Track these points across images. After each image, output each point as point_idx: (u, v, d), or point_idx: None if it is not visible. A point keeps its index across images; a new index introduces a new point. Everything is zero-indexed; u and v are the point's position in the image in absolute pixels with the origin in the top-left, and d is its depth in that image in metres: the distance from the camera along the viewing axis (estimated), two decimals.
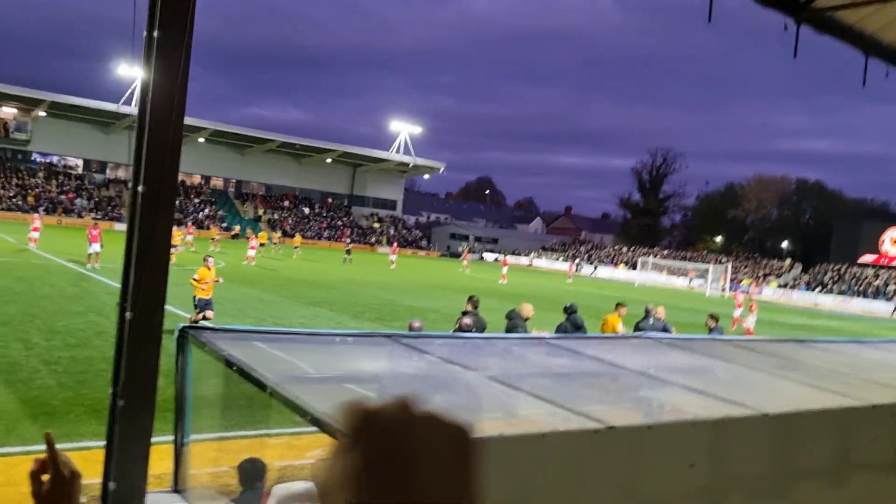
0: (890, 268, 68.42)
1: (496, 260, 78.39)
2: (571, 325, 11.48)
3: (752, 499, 4.31)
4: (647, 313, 12.97)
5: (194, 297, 16.62)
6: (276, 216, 79.40)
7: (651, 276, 66.96)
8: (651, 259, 71.14)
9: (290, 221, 78.86)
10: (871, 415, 4.83)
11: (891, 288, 63.95)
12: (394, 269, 45.20)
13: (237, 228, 69.12)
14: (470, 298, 11.52)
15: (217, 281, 17.02)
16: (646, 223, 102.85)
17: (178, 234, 35.02)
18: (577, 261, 79.43)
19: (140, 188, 3.62)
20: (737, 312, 29.03)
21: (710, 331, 13.52)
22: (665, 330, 11.77)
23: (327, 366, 4.30)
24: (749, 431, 4.16)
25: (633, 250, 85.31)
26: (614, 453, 3.46)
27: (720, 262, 71.00)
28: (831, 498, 4.83)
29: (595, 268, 77.13)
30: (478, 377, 4.00)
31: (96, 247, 27.55)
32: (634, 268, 71.49)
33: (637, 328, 12.52)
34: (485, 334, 6.41)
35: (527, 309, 11.19)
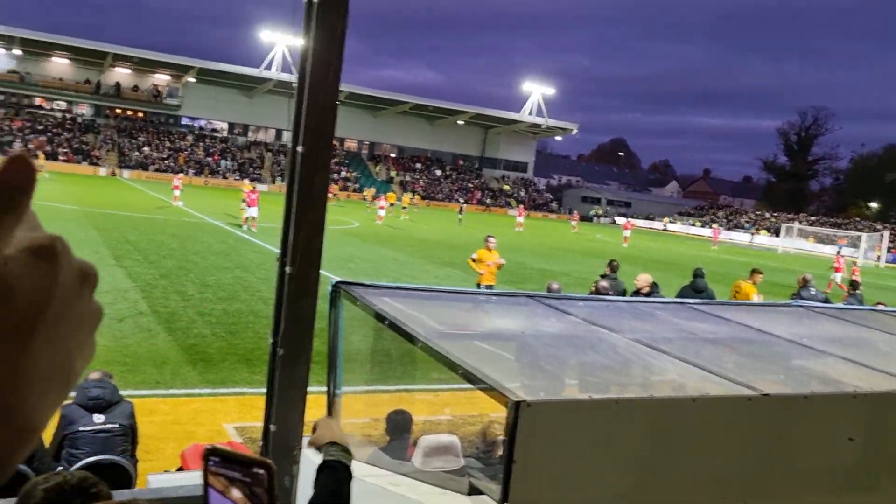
0: None
1: (632, 224, 76.66)
2: (691, 289, 11.04)
3: None
4: (806, 283, 12.36)
5: (477, 284, 14.44)
6: (407, 178, 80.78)
7: (796, 242, 63.50)
8: (796, 225, 67.39)
9: (421, 183, 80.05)
10: None
11: None
12: (522, 232, 45.12)
13: (372, 190, 70.85)
14: (610, 262, 11.38)
15: (500, 264, 14.39)
16: (792, 187, 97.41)
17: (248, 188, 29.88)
18: (716, 225, 76.42)
19: (299, 149, 3.80)
20: (835, 276, 27.57)
21: (850, 297, 12.81)
22: (825, 302, 11.20)
23: (472, 323, 4.39)
24: None
25: (777, 216, 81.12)
26: (767, 422, 3.37)
27: (875, 230, 66.39)
28: None
29: (753, 235, 72.51)
30: (622, 339, 3.97)
31: (254, 210, 27.47)
32: (777, 234, 68.02)
33: (795, 297, 11.96)
34: (627, 297, 6.32)
35: (641, 279, 10.40)
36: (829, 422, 3.50)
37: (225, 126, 78.22)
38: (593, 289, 9.35)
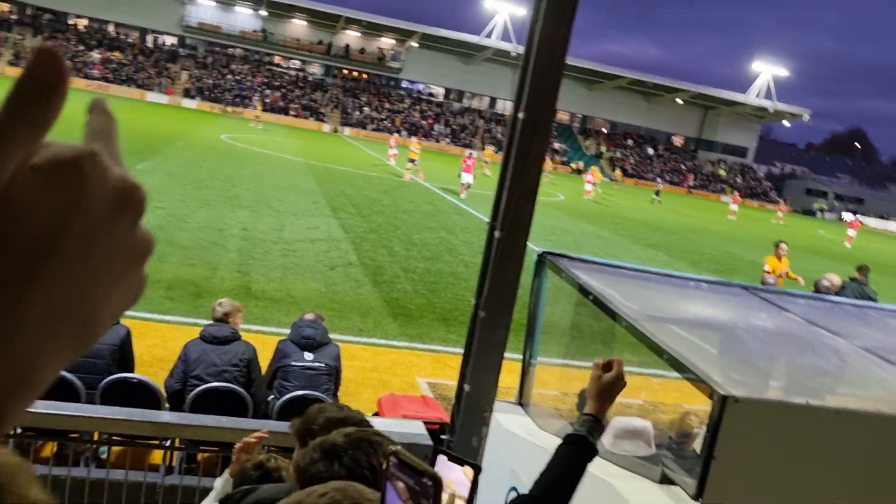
0: None
1: (860, 223, 70.10)
2: (852, 292, 9.61)
3: None
4: None
5: None
6: (618, 154, 78.98)
7: None
8: None
9: (631, 161, 77.97)
10: None
11: None
12: (734, 221, 42.71)
13: (580, 164, 70.06)
14: (859, 267, 10.38)
15: (794, 279, 13.18)
16: None
17: (417, 146, 31.18)
18: None
19: (520, 115, 3.80)
20: None
21: None
22: None
23: (680, 308, 4.22)
24: None
25: None
26: None
27: None
28: None
29: None
30: (847, 344, 3.64)
31: (468, 177, 27.19)
32: None
33: None
34: (856, 301, 5.79)
35: (827, 279, 9.30)
36: None
37: (441, 91, 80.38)
38: (814, 288, 8.63)
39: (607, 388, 2.28)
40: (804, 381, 3.20)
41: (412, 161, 30.54)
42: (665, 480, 3.02)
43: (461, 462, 1.81)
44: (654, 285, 4.31)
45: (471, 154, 29.26)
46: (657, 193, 46.05)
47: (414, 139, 36.45)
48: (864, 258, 30.38)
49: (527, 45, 3.81)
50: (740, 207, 49.26)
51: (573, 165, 70.17)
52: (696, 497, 2.71)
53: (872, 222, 75.31)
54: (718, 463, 2.65)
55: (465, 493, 1.71)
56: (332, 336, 8.15)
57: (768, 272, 12.96)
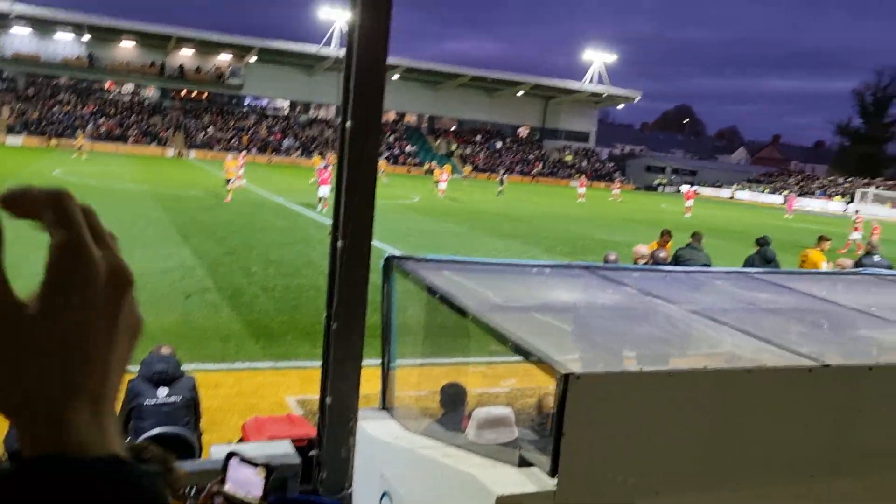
0: None
1: (696, 193, 74.81)
2: (760, 258, 10.68)
3: None
4: (872, 249, 11.91)
5: None
6: (468, 151, 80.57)
7: (871, 208, 61.19)
8: (872, 190, 64.86)
9: (481, 156, 79.76)
10: None
11: None
12: (584, 203, 44.61)
13: (433, 164, 70.93)
14: (693, 234, 11.15)
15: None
16: (866, 151, 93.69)
17: (233, 164, 29.67)
18: (786, 192, 74.17)
19: (348, 123, 3.81)
20: (856, 236, 26.42)
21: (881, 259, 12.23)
22: (890, 268, 10.75)
23: (525, 296, 4.35)
24: None
25: (850, 181, 78.27)
26: (830, 394, 3.26)
27: None
28: None
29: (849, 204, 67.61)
30: (679, 310, 3.89)
31: (325, 189, 25.94)
32: (851, 200, 65.66)
33: (858, 265, 11.54)
34: (684, 268, 6.19)
35: (639, 250, 9.75)
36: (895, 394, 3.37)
37: (286, 105, 79.16)
38: (650, 260, 9.15)
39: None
40: (642, 350, 3.39)
41: (229, 181, 28.83)
42: (524, 463, 3.12)
43: (254, 465, 1.84)
44: (498, 276, 4.43)
45: (326, 166, 28.40)
46: (501, 184, 46.85)
47: (229, 156, 33.79)
48: (701, 225, 32.48)
49: (346, 54, 3.82)
50: (588, 190, 51.48)
51: (427, 166, 70.96)
52: (551, 474, 2.81)
53: (707, 191, 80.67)
54: (567, 439, 2.76)
55: (259, 492, 1.73)
56: (191, 366, 7.86)
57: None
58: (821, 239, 12.54)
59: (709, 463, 3.22)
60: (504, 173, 51.86)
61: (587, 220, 32.54)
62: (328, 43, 69.28)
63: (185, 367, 5.50)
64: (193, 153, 66.09)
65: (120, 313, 0.55)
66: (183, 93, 75.04)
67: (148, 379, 4.96)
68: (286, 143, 73.03)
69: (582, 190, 48.73)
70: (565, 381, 2.67)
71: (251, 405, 7.29)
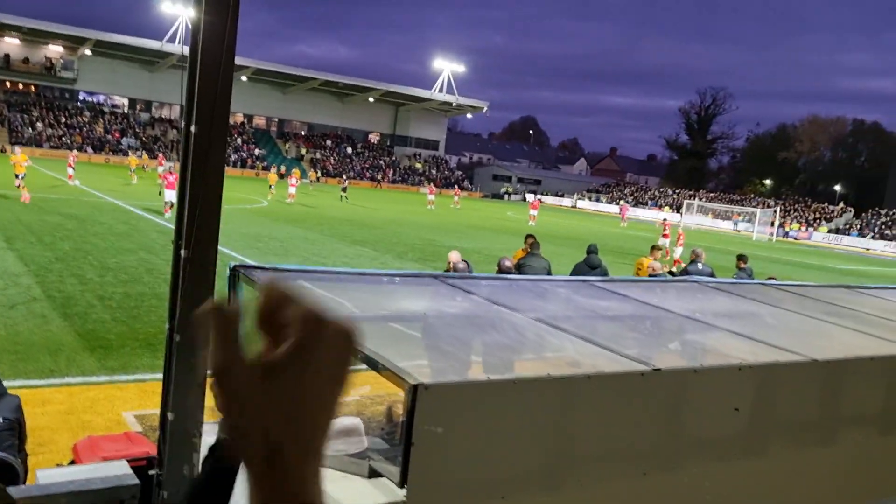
0: None
1: (540, 202, 77.73)
2: (586, 265, 11.27)
3: (797, 445, 4.31)
4: (696, 257, 12.83)
5: None
6: (318, 155, 79.66)
7: (696, 219, 65.99)
8: (696, 202, 69.99)
9: (332, 161, 79.10)
10: None
11: None
12: (433, 210, 45.24)
13: (283, 169, 69.54)
14: (527, 237, 11.58)
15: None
16: (693, 165, 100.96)
17: (22, 158, 27.64)
18: (622, 202, 78.59)
19: (192, 128, 3.67)
20: (664, 242, 27.94)
21: (738, 271, 13.36)
22: (711, 275, 11.63)
23: (374, 305, 4.36)
24: (797, 377, 4.14)
25: (679, 193, 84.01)
26: (660, 396, 3.48)
27: (768, 206, 69.61)
28: (878, 445, 4.82)
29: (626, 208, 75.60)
30: (524, 318, 4.02)
31: (172, 194, 24.41)
32: (679, 210, 70.48)
33: (685, 272, 12.39)
34: (530, 276, 6.41)
35: (452, 257, 9.42)
36: (717, 394, 3.65)
37: (125, 102, 75.13)
38: (498, 268, 9.40)
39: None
40: (488, 358, 3.48)
41: (17, 176, 27.05)
42: (374, 474, 3.12)
43: None
44: (349, 285, 4.41)
45: (170, 169, 27.03)
46: (344, 190, 46.00)
47: (18, 149, 32.19)
48: (545, 232, 33.82)
49: (190, 53, 3.69)
50: (437, 197, 52.25)
51: (278, 171, 69.42)
52: (400, 485, 2.83)
53: (551, 200, 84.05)
54: (417, 448, 2.79)
55: None
56: (16, 383, 7.29)
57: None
58: (653, 248, 13.40)
59: (553, 464, 3.36)
60: (346, 179, 50.77)
61: (437, 227, 33.01)
62: (172, 39, 66.34)
63: (8, 384, 5.09)
64: (18, 150, 61.29)
65: (347, 372, 0.61)
66: (7, 84, 69.49)
67: None
68: (125, 142, 69.26)
69: (431, 197, 49.50)
70: (414, 391, 2.70)
71: (84, 422, 6.84)
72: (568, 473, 3.45)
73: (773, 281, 13.23)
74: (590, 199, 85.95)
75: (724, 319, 4.76)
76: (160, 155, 48.16)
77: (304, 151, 79.68)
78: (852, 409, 4.64)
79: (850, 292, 6.85)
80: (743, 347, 4.19)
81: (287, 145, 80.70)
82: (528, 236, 11.75)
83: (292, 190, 39.22)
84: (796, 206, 76.34)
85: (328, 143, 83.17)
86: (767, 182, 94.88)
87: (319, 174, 65.86)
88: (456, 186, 65.11)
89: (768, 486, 4.23)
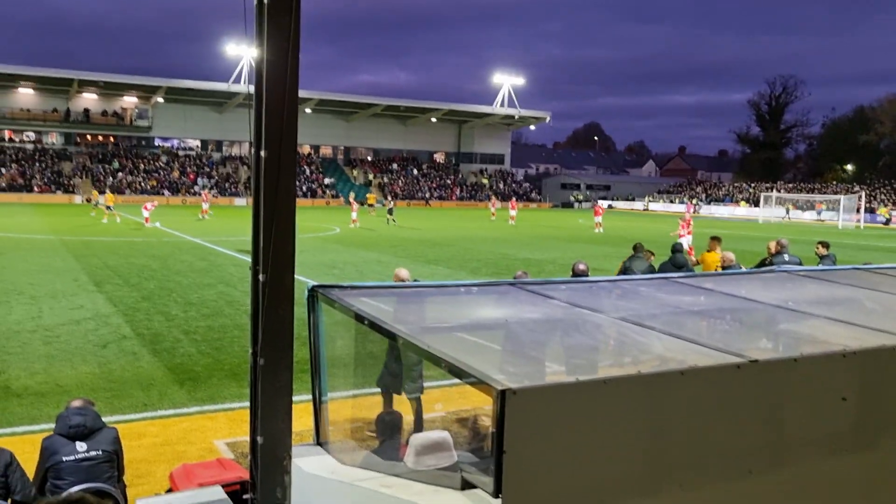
0: None
1: (610, 207, 76.73)
2: (672, 265, 11.08)
3: None
4: (782, 248, 12.37)
5: None
6: (385, 179, 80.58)
7: (775, 211, 63.95)
8: (774, 194, 67.84)
9: (399, 183, 79.88)
10: None
11: None
12: (499, 223, 45.01)
13: (352, 195, 70.51)
14: (634, 245, 11.66)
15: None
16: (767, 157, 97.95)
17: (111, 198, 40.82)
18: (695, 201, 76.83)
19: (263, 153, 3.71)
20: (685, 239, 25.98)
21: (821, 259, 12.81)
22: (799, 265, 11.19)
23: (455, 315, 4.31)
24: None
25: (755, 186, 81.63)
26: (759, 388, 3.32)
27: (852, 192, 66.93)
28: None
29: (698, 207, 74.03)
30: (607, 319, 3.91)
31: None
32: (757, 204, 68.47)
33: (770, 264, 11.96)
34: (609, 277, 6.25)
35: (401, 274, 8.33)
36: (821, 383, 3.46)
37: (198, 143, 77.67)
38: (571, 272, 9.24)
39: None
40: (574, 360, 3.38)
41: (108, 208, 35.48)
42: (466, 486, 3.06)
43: None
44: (427, 298, 4.38)
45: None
46: (390, 213, 43.33)
47: (108, 191, 44.66)
48: (614, 237, 33.22)
49: (256, 84, 3.73)
50: (498, 211, 51.70)
51: (349, 197, 70.50)
52: (495, 494, 2.75)
53: (622, 204, 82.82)
54: (509, 456, 2.71)
55: None
56: (112, 419, 7.51)
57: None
58: (713, 240, 13.07)
59: (650, 466, 3.23)
60: (392, 200, 48.21)
61: (508, 241, 32.88)
62: (237, 80, 68.39)
63: (104, 419, 5.23)
64: (102, 198, 64.04)
65: None
66: (88, 137, 72.75)
67: (64, 434, 4.69)
68: (200, 182, 71.50)
69: (513, 212, 48.13)
70: (502, 397, 2.63)
71: (179, 453, 6.99)
72: (667, 476, 3.31)
73: (825, 250, 12.67)
74: (662, 200, 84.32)
75: (820, 307, 4.54)
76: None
77: (371, 176, 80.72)
78: None
79: None
80: (844, 333, 3.97)
81: (355, 171, 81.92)
82: (712, 238, 11.96)
83: (354, 215, 40.03)
84: (883, 188, 73.19)
85: (394, 166, 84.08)
86: (849, 167, 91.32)
87: (387, 198, 66.50)
88: (513, 199, 58.70)
89: (881, 479, 3.98)
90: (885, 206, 65.91)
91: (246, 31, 3.89)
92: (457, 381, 4.56)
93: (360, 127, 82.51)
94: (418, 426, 5.15)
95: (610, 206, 78.03)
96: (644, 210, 78.90)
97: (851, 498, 3.90)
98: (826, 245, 13.15)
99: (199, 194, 57.44)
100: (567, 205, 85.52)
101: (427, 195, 78.40)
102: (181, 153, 76.09)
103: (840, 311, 4.41)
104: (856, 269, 6.28)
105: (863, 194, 62.36)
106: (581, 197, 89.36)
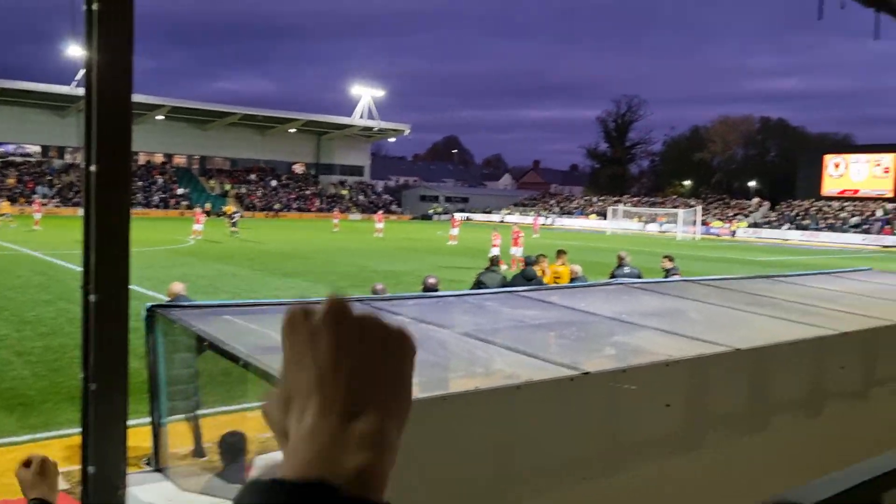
0: (853, 199, 69.69)
1: (467, 219, 78.31)
2: (523, 277, 11.42)
3: (730, 435, 4.38)
4: (621, 261, 13.05)
5: None
6: (243, 190, 78.54)
7: (622, 223, 67.46)
8: (621, 207, 71.57)
9: (257, 194, 78.10)
10: (840, 342, 4.92)
11: (855, 219, 65.15)
12: (335, 234, 44.86)
13: (208, 206, 68.20)
14: (490, 258, 12.14)
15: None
16: (614, 172, 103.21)
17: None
18: (546, 213, 79.78)
19: (93, 167, 3.53)
20: (495, 251, 26.79)
21: (667, 272, 13.63)
22: (638, 277, 11.85)
23: None
24: (723, 368, 4.22)
25: (603, 199, 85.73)
26: (591, 398, 3.49)
27: (689, 206, 71.64)
28: (807, 427, 4.94)
29: (549, 218, 77.68)
30: (451, 334, 4.00)
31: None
32: (605, 217, 71.93)
33: (612, 276, 12.60)
34: (456, 291, 6.38)
35: (175, 287, 8.12)
36: (647, 392, 3.69)
37: (38, 149, 72.71)
38: (423, 286, 9.33)
39: (30, 481, 2.11)
40: (418, 377, 3.44)
41: None
42: None
43: None
44: (271, 317, 4.31)
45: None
46: (234, 225, 40.91)
47: None
48: (468, 248, 33.94)
49: (86, 91, 3.55)
50: (342, 222, 51.16)
51: (204, 208, 68.04)
52: None
53: (479, 217, 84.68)
54: None
55: None
56: None
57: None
58: (559, 253, 13.64)
59: (491, 478, 3.32)
60: (237, 212, 45.72)
61: (370, 253, 32.85)
62: (80, 84, 64.61)
63: None
64: None
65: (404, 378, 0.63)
66: None
67: None
68: (40, 190, 66.90)
69: (380, 225, 47.33)
70: None
71: (5, 486, 6.49)
72: (511, 488, 3.42)
73: (670, 263, 13.56)
74: (519, 212, 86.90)
75: (651, 318, 4.83)
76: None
77: (228, 187, 78.43)
78: (779, 394, 4.75)
79: (770, 281, 7.06)
80: (670, 343, 4.25)
81: (211, 182, 79.31)
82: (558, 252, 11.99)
83: (197, 227, 37.94)
84: (716, 203, 78.79)
85: (252, 176, 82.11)
86: (686, 183, 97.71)
87: (234, 210, 64.84)
88: (379, 211, 58.25)
89: (706, 478, 4.28)
90: (721, 220, 71.00)
91: (74, 30, 3.70)
92: None
93: (217, 136, 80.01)
94: (198, 451, 4.81)
95: (468, 219, 79.58)
96: (501, 222, 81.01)
97: (680, 498, 4.17)
98: (671, 258, 13.99)
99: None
100: (426, 217, 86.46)
101: (277, 207, 76.86)
102: (19, 160, 70.96)
103: (668, 322, 4.72)
104: (686, 280, 6.73)
105: (699, 208, 66.87)
106: (440, 209, 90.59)
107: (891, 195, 68.24)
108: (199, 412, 4.72)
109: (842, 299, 6.28)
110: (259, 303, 4.55)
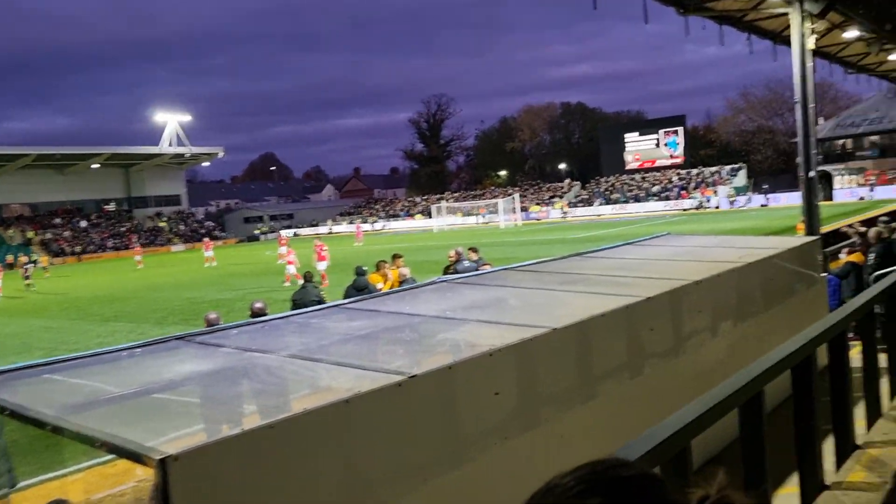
0: (652, 169, 75.33)
1: (294, 235, 77.04)
2: (353, 288, 11.26)
3: (561, 409, 4.62)
4: (458, 256, 13.06)
5: None
6: (48, 235, 72.94)
7: (447, 220, 69.00)
8: (444, 204, 73.16)
9: (66, 238, 72.84)
10: (647, 307, 5.32)
11: (656, 188, 70.42)
12: (143, 270, 42.75)
13: (9, 258, 62.76)
14: (304, 274, 11.81)
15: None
16: (433, 170, 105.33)
17: None
18: (374, 219, 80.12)
19: None
20: (289, 269, 27.26)
21: (472, 262, 13.89)
22: (477, 269, 12.02)
23: (120, 383, 4.05)
24: (545, 349, 4.44)
25: (426, 199, 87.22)
26: (421, 400, 3.56)
27: (508, 195, 74.41)
28: (630, 389, 5.30)
29: (379, 223, 78.32)
30: (277, 358, 3.94)
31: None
32: (430, 215, 73.25)
33: (453, 272, 12.69)
34: (281, 314, 6.29)
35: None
36: (475, 384, 3.82)
37: None
38: (250, 312, 9.06)
39: None
40: (239, 409, 3.36)
41: None
42: None
43: None
44: (87, 369, 4.06)
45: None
46: (27, 277, 37.45)
47: None
48: (303, 264, 33.56)
49: None
50: (142, 257, 48.27)
51: (7, 260, 62.50)
52: None
53: (306, 231, 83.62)
54: None
55: None
56: None
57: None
58: (395, 257, 13.67)
59: (339, 495, 3.31)
60: (33, 262, 42.64)
61: (196, 284, 31.57)
62: None
63: None
64: None
65: None
66: None
67: None
68: None
69: (209, 253, 44.50)
70: (163, 466, 2.54)
71: None
72: (363, 499, 3.42)
73: (475, 256, 13.90)
74: (347, 222, 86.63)
75: (473, 311, 5.00)
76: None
77: (31, 234, 72.52)
78: (600, 363, 5.06)
79: (581, 258, 7.50)
80: (492, 334, 4.41)
81: (10, 231, 73.00)
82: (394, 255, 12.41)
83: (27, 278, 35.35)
84: (531, 189, 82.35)
85: (57, 220, 76.42)
86: (502, 173, 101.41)
87: (47, 258, 60.08)
88: (205, 239, 55.33)
89: (544, 453, 4.49)
90: (538, 204, 74.30)
91: None
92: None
93: (11, 181, 73.71)
94: None
95: (296, 234, 78.33)
96: (329, 233, 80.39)
97: (524, 476, 4.35)
98: (475, 250, 14.19)
99: None
100: (253, 238, 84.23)
101: (91, 248, 72.11)
102: None
103: (489, 313, 4.90)
104: (503, 269, 7.02)
105: (517, 196, 69.65)
106: (265, 229, 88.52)
107: (682, 161, 74.51)
108: (15, 487, 4.37)
109: (644, 266, 6.78)
110: (66, 358, 4.26)
